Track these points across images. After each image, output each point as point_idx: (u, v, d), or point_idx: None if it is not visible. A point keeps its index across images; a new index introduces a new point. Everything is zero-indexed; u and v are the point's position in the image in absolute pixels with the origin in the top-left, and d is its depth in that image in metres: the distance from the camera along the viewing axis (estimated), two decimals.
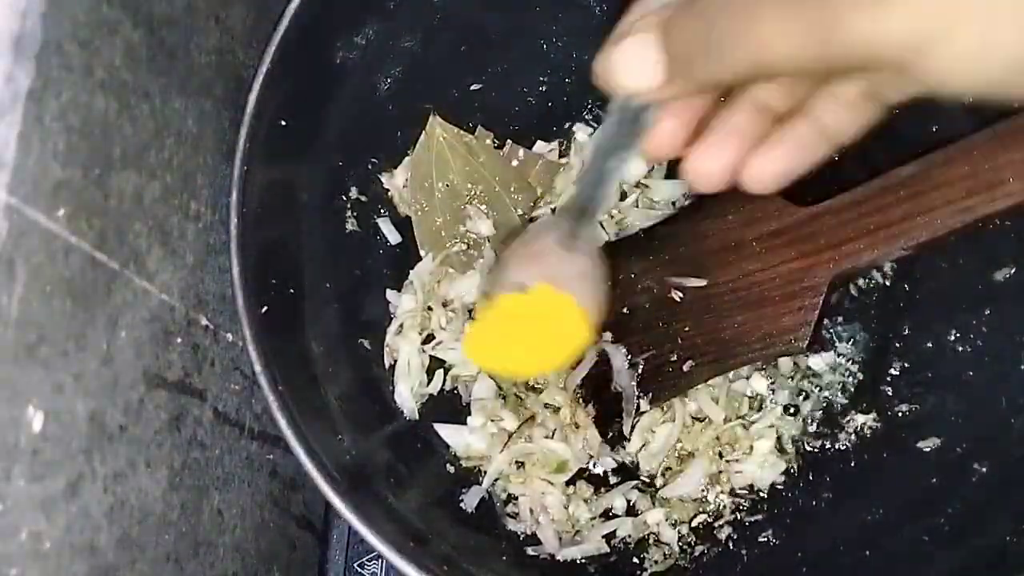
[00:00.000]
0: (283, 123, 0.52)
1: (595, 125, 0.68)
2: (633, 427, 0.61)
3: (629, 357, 0.60)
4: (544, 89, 0.68)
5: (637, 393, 0.60)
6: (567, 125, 0.69)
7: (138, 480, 0.43)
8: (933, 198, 0.48)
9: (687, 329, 0.58)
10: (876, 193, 0.51)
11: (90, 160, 0.38)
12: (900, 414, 0.59)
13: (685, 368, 0.58)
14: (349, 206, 0.61)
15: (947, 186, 0.48)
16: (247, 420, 0.56)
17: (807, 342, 0.54)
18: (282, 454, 0.61)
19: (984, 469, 0.52)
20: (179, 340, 0.47)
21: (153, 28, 0.43)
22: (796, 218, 0.54)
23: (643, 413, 0.61)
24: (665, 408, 0.61)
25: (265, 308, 0.49)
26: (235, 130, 0.50)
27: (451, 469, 0.61)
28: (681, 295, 0.59)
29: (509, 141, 0.66)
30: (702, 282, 0.58)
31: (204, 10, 0.49)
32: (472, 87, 0.65)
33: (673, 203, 0.66)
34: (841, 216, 0.52)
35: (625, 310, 0.61)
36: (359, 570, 0.65)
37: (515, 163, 0.65)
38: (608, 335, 0.61)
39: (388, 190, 0.64)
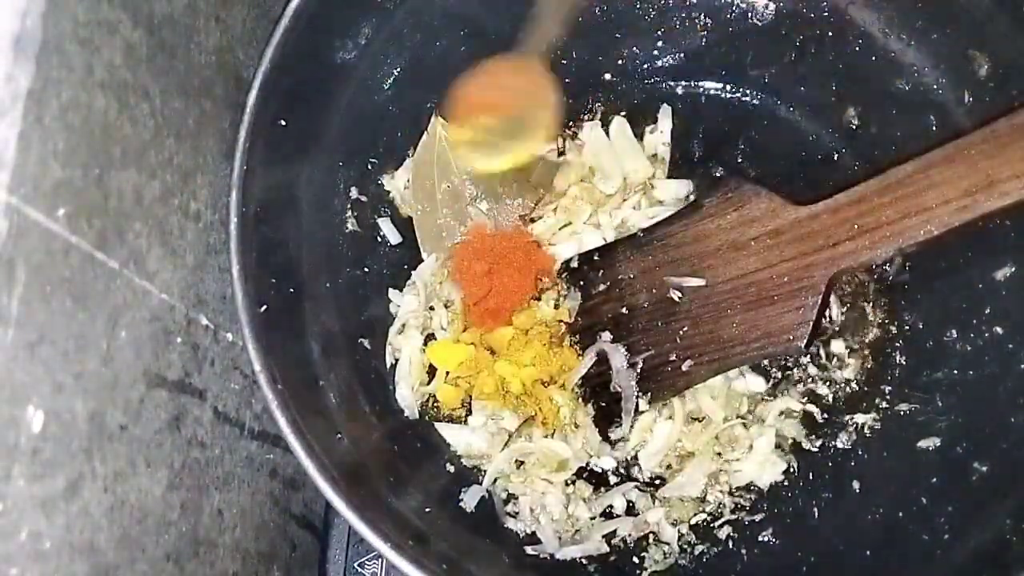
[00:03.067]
0: (283, 123, 0.52)
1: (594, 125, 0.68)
2: (632, 426, 0.61)
3: (628, 357, 0.60)
4: None
5: (636, 392, 0.60)
6: (567, 125, 0.69)
7: (138, 480, 0.43)
8: (931, 197, 0.48)
9: (686, 329, 0.58)
10: (874, 192, 0.51)
11: (90, 160, 0.38)
12: (900, 414, 0.59)
13: (684, 367, 0.58)
14: (349, 206, 0.61)
15: (945, 185, 0.48)
16: (247, 420, 0.56)
17: (806, 341, 0.54)
18: (282, 454, 0.61)
19: (984, 469, 0.52)
20: (179, 340, 0.47)
21: (153, 28, 0.43)
22: (795, 218, 0.54)
23: (642, 412, 0.61)
24: (664, 407, 0.61)
25: (265, 308, 0.49)
26: (235, 130, 0.50)
27: (451, 469, 0.61)
28: (680, 295, 0.59)
29: None
30: (701, 282, 0.58)
31: (204, 10, 0.49)
32: None
33: (684, 198, 0.65)
34: (839, 215, 0.52)
35: (625, 310, 0.61)
36: (359, 570, 0.65)
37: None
38: (608, 335, 0.61)
39: (389, 191, 0.64)
